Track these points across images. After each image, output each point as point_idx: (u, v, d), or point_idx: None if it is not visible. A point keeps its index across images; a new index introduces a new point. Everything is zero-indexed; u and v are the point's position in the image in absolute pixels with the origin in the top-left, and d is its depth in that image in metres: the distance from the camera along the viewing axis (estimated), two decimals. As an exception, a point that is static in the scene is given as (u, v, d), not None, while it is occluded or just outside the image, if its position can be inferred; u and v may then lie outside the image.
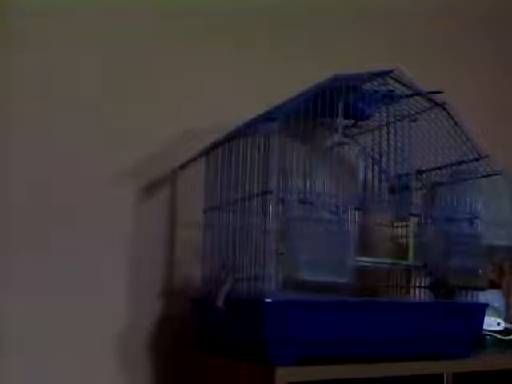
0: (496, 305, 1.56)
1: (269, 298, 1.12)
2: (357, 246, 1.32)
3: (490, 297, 1.45)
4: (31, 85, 1.35)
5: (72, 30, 1.39)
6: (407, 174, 1.42)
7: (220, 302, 1.20)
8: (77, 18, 1.39)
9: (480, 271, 1.28)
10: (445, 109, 1.32)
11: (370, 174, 1.45)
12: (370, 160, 1.47)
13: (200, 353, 1.33)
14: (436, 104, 1.32)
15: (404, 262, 1.37)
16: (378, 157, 1.44)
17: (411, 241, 1.40)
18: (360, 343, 1.19)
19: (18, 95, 1.34)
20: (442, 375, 1.26)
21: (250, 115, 1.29)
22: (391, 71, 1.26)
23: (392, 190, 1.44)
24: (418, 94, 1.31)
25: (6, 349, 1.30)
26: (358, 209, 1.35)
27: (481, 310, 1.33)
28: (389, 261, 1.37)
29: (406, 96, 1.32)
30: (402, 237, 1.43)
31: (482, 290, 1.31)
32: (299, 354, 1.13)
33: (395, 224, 1.46)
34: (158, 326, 1.43)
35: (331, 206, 1.22)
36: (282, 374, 1.11)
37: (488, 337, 1.53)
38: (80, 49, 1.40)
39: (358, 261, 1.24)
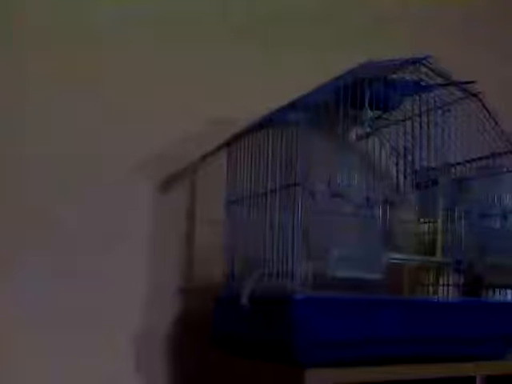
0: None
1: (298, 295, 1.06)
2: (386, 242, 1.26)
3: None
4: (52, 73, 1.32)
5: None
6: (437, 169, 1.36)
7: (244, 300, 1.15)
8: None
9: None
10: (480, 99, 1.27)
11: (397, 168, 1.40)
12: (398, 153, 1.41)
13: (222, 353, 1.28)
14: (470, 94, 1.27)
15: (437, 259, 1.31)
16: (406, 150, 1.39)
17: (439, 237, 1.34)
18: (392, 344, 1.13)
19: (36, 84, 1.31)
20: (474, 378, 1.21)
21: (273, 106, 1.23)
22: (425, 58, 1.21)
23: (421, 185, 1.39)
24: (452, 83, 1.26)
25: (19, 346, 1.25)
26: (386, 202, 1.29)
27: (516, 308, 1.28)
28: (421, 258, 1.32)
29: (439, 85, 1.26)
30: (428, 233, 1.37)
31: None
32: (330, 356, 1.07)
33: (421, 220, 1.41)
34: (178, 326, 1.38)
35: (362, 200, 1.16)
36: (312, 376, 1.05)
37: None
38: (105, 41, 1.37)
39: (390, 257, 1.18)
